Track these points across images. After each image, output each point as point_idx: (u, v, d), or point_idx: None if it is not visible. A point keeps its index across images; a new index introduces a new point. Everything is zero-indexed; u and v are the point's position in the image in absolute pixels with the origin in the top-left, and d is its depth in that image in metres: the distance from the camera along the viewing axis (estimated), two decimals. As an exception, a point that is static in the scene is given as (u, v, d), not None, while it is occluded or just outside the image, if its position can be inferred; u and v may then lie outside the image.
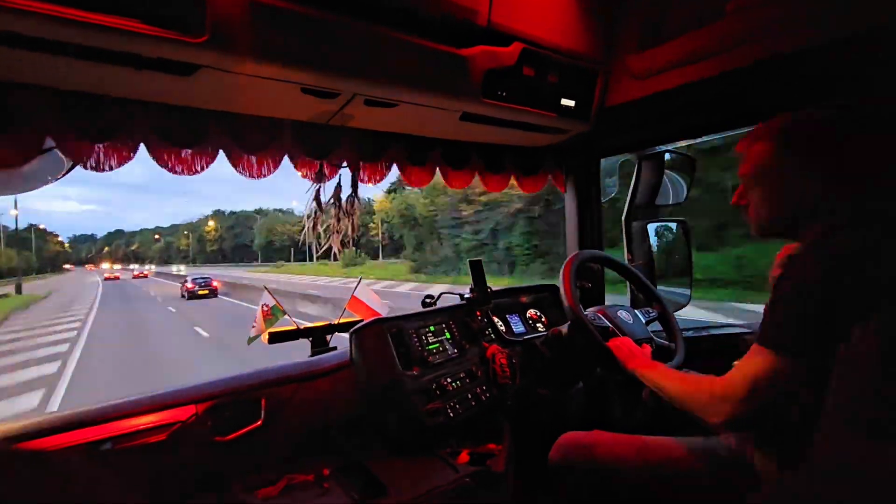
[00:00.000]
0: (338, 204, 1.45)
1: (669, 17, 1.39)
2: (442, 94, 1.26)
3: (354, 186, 1.47)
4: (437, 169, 1.63)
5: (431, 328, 1.48)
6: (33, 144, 0.97)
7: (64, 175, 1.15)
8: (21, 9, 0.72)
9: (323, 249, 1.48)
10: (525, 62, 1.34)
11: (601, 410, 1.66)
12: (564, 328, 1.37)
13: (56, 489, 0.98)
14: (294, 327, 1.61)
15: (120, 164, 1.07)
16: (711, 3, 1.28)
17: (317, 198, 1.43)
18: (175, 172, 1.14)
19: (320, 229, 1.45)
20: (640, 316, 1.48)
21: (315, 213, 1.44)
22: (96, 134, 1.04)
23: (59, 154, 1.02)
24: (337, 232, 1.46)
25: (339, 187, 1.45)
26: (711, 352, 1.57)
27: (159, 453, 1.08)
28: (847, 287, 0.76)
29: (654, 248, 1.86)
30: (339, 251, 1.47)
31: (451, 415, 1.30)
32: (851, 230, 0.80)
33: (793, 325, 0.80)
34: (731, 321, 3.49)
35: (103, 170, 1.06)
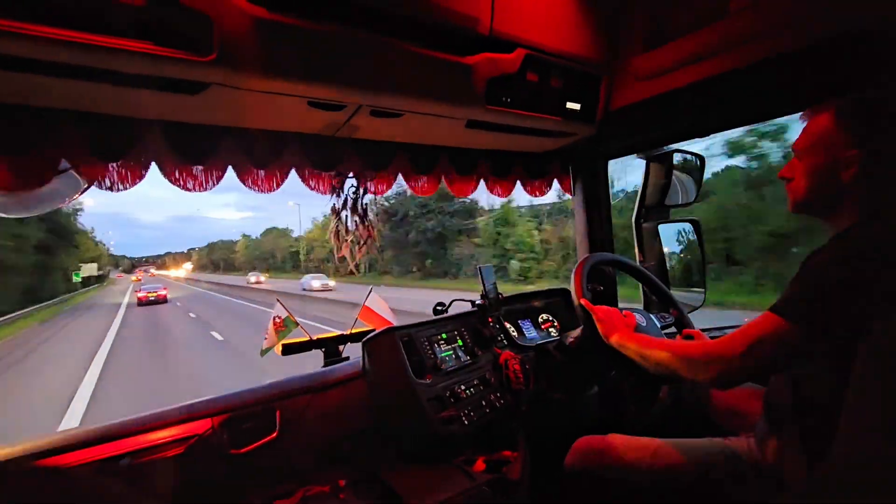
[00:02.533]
0: (358, 214, 1.47)
1: (672, 17, 1.39)
2: (446, 103, 1.27)
3: (362, 197, 1.49)
4: (443, 177, 1.64)
5: (443, 335, 1.48)
6: (50, 166, 1.00)
7: (80, 195, 1.17)
8: (37, 35, 0.74)
9: (353, 260, 1.50)
10: (528, 68, 1.34)
11: (617, 413, 1.63)
12: (577, 332, 1.36)
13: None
14: (307, 338, 1.62)
15: (133, 183, 1.10)
16: (714, 3, 1.28)
17: (335, 211, 1.46)
18: (186, 189, 1.16)
19: (349, 239, 1.48)
20: (654, 320, 1.44)
21: (337, 226, 1.47)
22: (110, 154, 1.06)
23: (75, 174, 1.05)
24: (363, 242, 1.48)
25: (357, 197, 1.47)
26: None
27: (177, 467, 1.09)
28: (869, 276, 0.75)
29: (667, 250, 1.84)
30: (358, 257, 1.50)
31: (466, 422, 1.29)
32: (886, 221, 0.79)
33: (806, 297, 0.81)
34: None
35: (117, 189, 1.08)
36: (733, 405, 1.23)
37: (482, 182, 1.75)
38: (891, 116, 0.85)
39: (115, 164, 1.08)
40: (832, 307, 0.78)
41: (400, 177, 1.55)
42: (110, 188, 1.08)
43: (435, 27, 1.16)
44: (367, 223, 1.49)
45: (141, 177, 1.11)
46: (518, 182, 1.83)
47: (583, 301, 1.26)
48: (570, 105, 1.50)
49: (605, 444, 1.14)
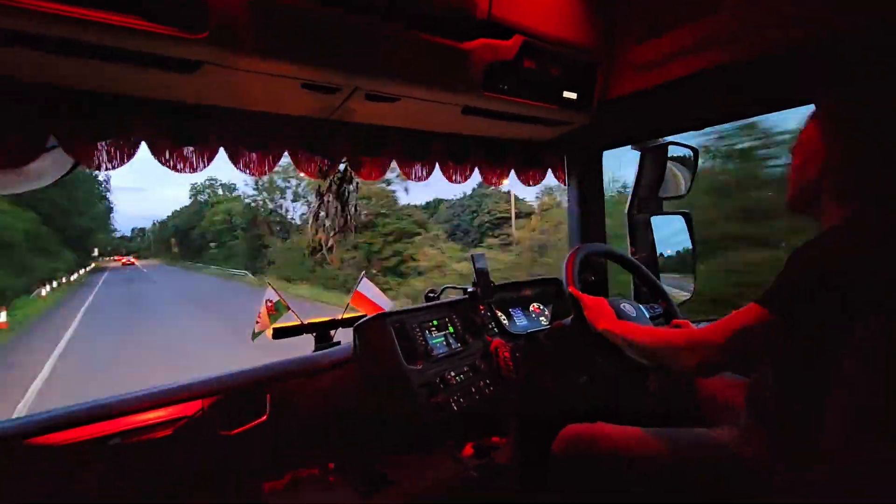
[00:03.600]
0: (340, 198, 1.45)
1: (671, 7, 1.37)
2: (442, 88, 1.25)
3: (350, 181, 1.47)
4: (438, 163, 1.63)
5: (434, 322, 1.49)
6: (37, 143, 0.98)
7: (69, 174, 1.15)
8: (24, 7, 0.72)
9: (325, 244, 1.49)
10: (525, 55, 1.33)
11: (605, 402, 1.66)
12: (568, 321, 1.37)
13: (66, 484, 1.00)
14: (298, 322, 1.62)
15: (122, 162, 1.08)
16: None
17: (319, 193, 1.43)
18: (176, 170, 1.14)
19: (327, 224, 1.47)
20: (643, 311, 1.45)
21: (318, 209, 1.45)
22: (99, 132, 1.04)
23: (62, 152, 1.03)
24: (340, 227, 1.47)
25: (342, 181, 1.45)
26: None
27: (167, 448, 1.09)
28: (847, 278, 0.77)
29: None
30: (334, 243, 1.49)
31: (455, 408, 1.31)
32: (873, 219, 0.81)
33: (788, 291, 0.83)
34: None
35: (105, 168, 1.06)
36: (720, 396, 1.25)
37: (476, 169, 1.74)
38: (862, 118, 0.87)
39: (104, 143, 1.06)
40: (811, 303, 0.80)
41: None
42: (98, 167, 1.06)
43: (433, 11, 1.14)
44: (346, 212, 1.49)
45: (131, 156, 1.09)
46: (512, 170, 1.83)
47: (572, 290, 1.27)
48: (566, 94, 1.49)
49: (593, 432, 1.16)
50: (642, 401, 1.43)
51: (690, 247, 1.87)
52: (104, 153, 1.07)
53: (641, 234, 1.88)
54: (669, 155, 1.84)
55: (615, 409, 1.53)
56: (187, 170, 1.17)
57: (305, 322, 1.60)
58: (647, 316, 1.44)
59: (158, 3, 0.82)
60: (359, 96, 1.21)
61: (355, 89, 1.17)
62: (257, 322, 1.63)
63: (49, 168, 1.10)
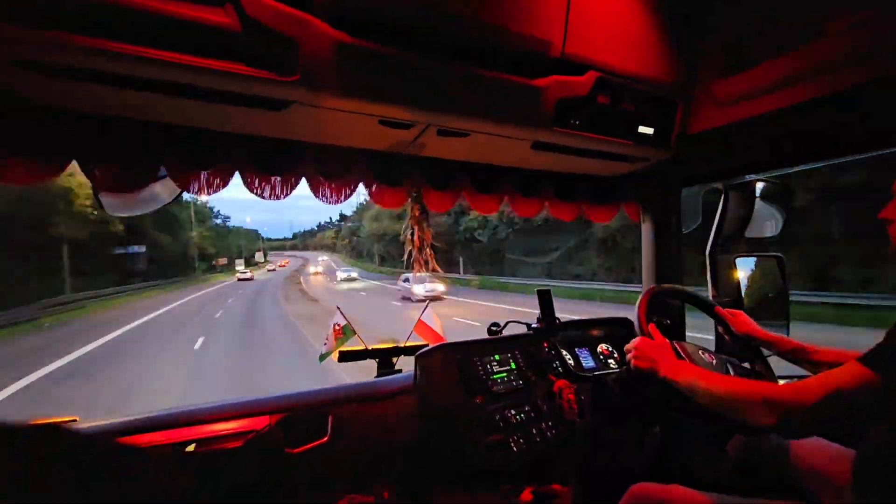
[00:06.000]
0: (421, 226, 1.54)
1: (754, 41, 1.31)
2: (513, 124, 1.27)
3: (426, 212, 1.52)
4: (506, 197, 1.63)
5: (496, 357, 1.46)
6: (150, 172, 1.12)
7: (176, 199, 1.30)
8: (147, 56, 0.83)
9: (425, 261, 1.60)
10: (599, 90, 1.31)
11: (679, 460, 1.51)
12: None
13: (149, 485, 1.08)
14: (363, 347, 1.66)
15: (218, 189, 1.20)
16: (799, 27, 1.19)
17: (416, 220, 1.55)
18: (263, 197, 1.25)
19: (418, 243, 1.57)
20: (728, 366, 1.23)
21: (415, 233, 1.56)
22: (201, 163, 1.17)
23: (170, 180, 1.16)
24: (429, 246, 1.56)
25: (420, 211, 1.52)
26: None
27: (235, 459, 1.15)
28: None
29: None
30: (430, 260, 1.57)
31: (515, 449, 1.26)
32: None
33: None
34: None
35: (205, 193, 1.19)
36: (816, 465, 1.10)
37: (545, 204, 1.72)
38: None
39: (205, 172, 1.18)
40: None
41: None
42: (198, 192, 1.19)
43: (507, 50, 1.17)
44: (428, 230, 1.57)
45: (226, 183, 1.21)
46: (583, 206, 1.79)
47: (646, 329, 1.19)
48: (642, 129, 1.44)
49: (666, 495, 1.05)
50: (722, 465, 1.29)
51: (783, 293, 1.69)
52: (204, 181, 1.19)
53: (724, 277, 1.73)
54: (759, 193, 1.70)
55: (690, 470, 1.38)
56: (272, 197, 1.27)
57: (370, 347, 1.64)
58: (732, 373, 1.22)
59: (256, 50, 0.92)
60: (431, 132, 1.25)
61: (428, 125, 1.22)
62: (324, 343, 1.70)
63: (160, 193, 1.24)
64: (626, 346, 1.18)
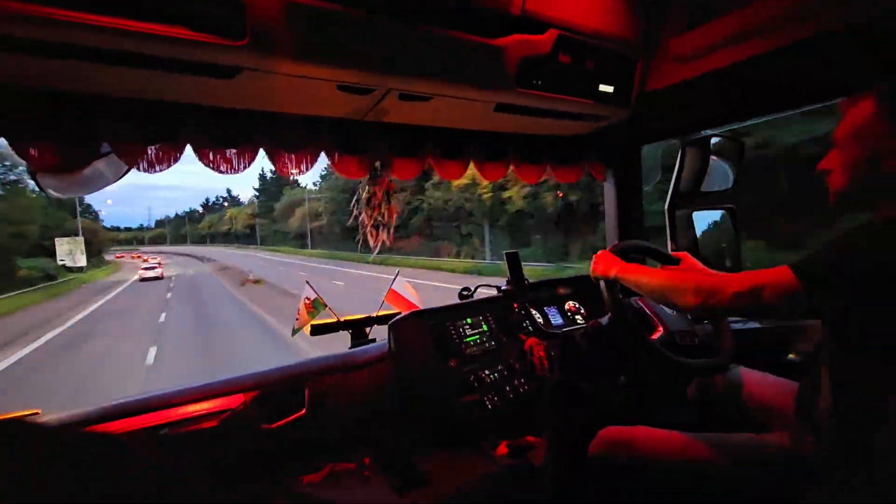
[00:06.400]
0: (384, 197, 1.48)
1: None
2: (475, 86, 1.24)
3: (389, 180, 1.49)
4: (472, 161, 1.62)
5: (468, 321, 1.49)
6: (92, 149, 1.04)
7: (122, 177, 1.22)
8: (77, 21, 0.76)
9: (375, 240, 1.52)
10: (561, 49, 1.30)
11: (644, 405, 1.61)
12: (604, 320, 1.34)
13: (122, 472, 1.06)
14: (335, 319, 1.65)
15: (168, 164, 1.13)
16: None
17: (367, 195, 1.48)
18: (220, 171, 1.18)
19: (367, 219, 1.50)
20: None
21: (358, 206, 1.49)
22: (148, 137, 1.09)
23: (115, 157, 1.08)
24: (383, 224, 1.49)
25: (384, 180, 1.47)
26: (766, 345, 1.49)
27: (211, 439, 1.14)
28: None
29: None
30: (388, 239, 1.52)
31: (490, 407, 1.30)
32: None
33: (825, 265, 0.80)
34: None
35: (154, 171, 1.12)
36: (766, 400, 1.20)
37: (511, 167, 1.72)
38: None
39: (153, 147, 1.11)
40: (852, 288, 0.78)
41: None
42: (147, 170, 1.11)
43: (465, 8, 1.13)
44: (390, 205, 1.51)
45: (176, 159, 1.14)
46: (548, 167, 1.80)
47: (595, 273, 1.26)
48: (603, 88, 1.45)
49: (632, 436, 1.13)
50: (682, 407, 1.38)
51: (735, 243, 1.79)
52: (153, 156, 1.12)
53: (682, 231, 1.81)
54: (713, 148, 1.76)
55: (654, 413, 1.48)
56: (229, 171, 1.21)
57: (342, 319, 1.64)
58: (688, 315, 1.39)
59: (200, 13, 0.85)
60: (392, 96, 1.21)
61: (388, 89, 1.18)
62: (297, 318, 1.68)
63: (104, 172, 1.16)
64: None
